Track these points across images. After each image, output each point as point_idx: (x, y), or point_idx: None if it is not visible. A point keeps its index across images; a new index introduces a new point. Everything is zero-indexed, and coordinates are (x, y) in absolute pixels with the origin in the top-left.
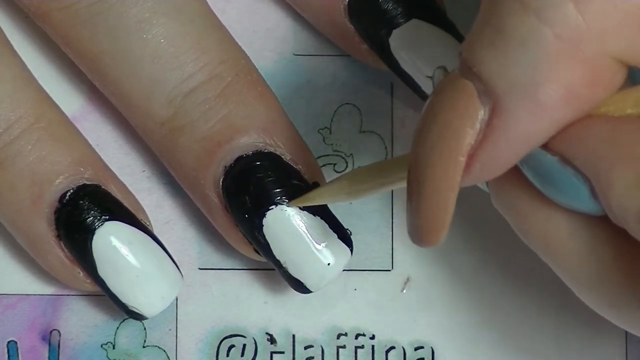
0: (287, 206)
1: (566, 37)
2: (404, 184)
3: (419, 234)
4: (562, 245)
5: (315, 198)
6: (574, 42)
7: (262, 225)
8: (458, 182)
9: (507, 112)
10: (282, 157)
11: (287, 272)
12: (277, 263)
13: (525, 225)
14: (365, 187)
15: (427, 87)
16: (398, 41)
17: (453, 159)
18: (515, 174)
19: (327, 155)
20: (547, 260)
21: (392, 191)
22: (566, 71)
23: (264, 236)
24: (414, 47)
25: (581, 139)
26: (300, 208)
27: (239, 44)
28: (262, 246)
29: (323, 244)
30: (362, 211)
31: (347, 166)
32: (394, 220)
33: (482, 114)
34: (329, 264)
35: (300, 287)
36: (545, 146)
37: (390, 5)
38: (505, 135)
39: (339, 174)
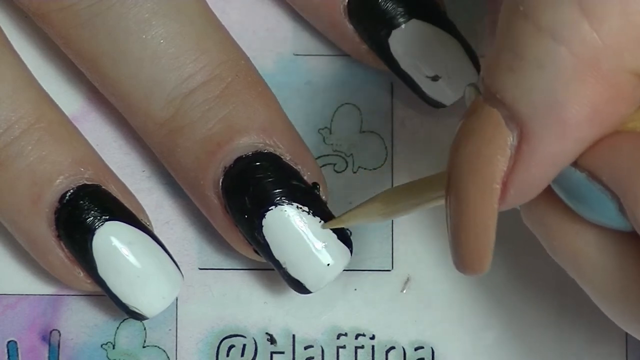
0: (322, 227)
1: (583, 55)
2: (437, 203)
3: (464, 264)
4: (590, 261)
5: (350, 220)
6: (592, 60)
7: (262, 226)
8: (496, 209)
9: (534, 136)
10: (282, 157)
11: (287, 272)
12: (277, 263)
13: (554, 241)
14: (399, 208)
15: (427, 87)
16: (398, 41)
17: (488, 188)
18: (544, 191)
19: (327, 155)
20: (575, 276)
21: None
22: (586, 89)
23: (264, 237)
24: (413, 47)
25: (609, 156)
26: (300, 207)
27: (239, 44)
28: (262, 247)
29: (323, 245)
30: None
31: (347, 166)
32: (394, 220)
33: (510, 140)
34: (328, 264)
35: (300, 287)
36: (574, 163)
37: (390, 5)
38: (535, 159)
39: (339, 174)
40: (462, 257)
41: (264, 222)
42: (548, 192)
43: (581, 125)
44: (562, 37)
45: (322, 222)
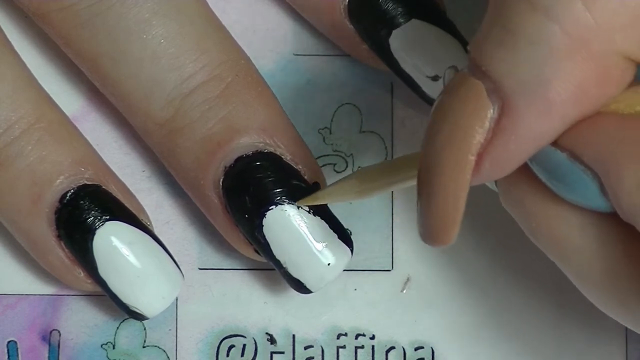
0: (296, 205)
1: (575, 34)
2: (413, 182)
3: (429, 234)
4: (571, 243)
5: (324, 197)
6: (583, 40)
7: (262, 226)
8: (468, 180)
9: (516, 110)
10: (282, 157)
11: (287, 272)
12: (277, 263)
13: (534, 223)
14: (375, 186)
15: (427, 87)
16: (398, 41)
17: (463, 158)
18: (524, 171)
19: (327, 155)
20: (556, 259)
21: (392, 191)
22: (575, 69)
23: (264, 236)
24: (413, 47)
25: (591, 136)
26: (300, 207)
27: (239, 44)
28: (262, 246)
29: (323, 244)
30: (362, 211)
31: (347, 166)
32: (394, 220)
33: (491, 112)
34: (329, 264)
35: (300, 287)
36: (555, 143)
37: (390, 5)
38: (514, 133)
39: (339, 174)
40: (429, 227)
41: (264, 221)
42: (527, 173)
43: (565, 104)
44: (555, 15)
45: (318, 217)
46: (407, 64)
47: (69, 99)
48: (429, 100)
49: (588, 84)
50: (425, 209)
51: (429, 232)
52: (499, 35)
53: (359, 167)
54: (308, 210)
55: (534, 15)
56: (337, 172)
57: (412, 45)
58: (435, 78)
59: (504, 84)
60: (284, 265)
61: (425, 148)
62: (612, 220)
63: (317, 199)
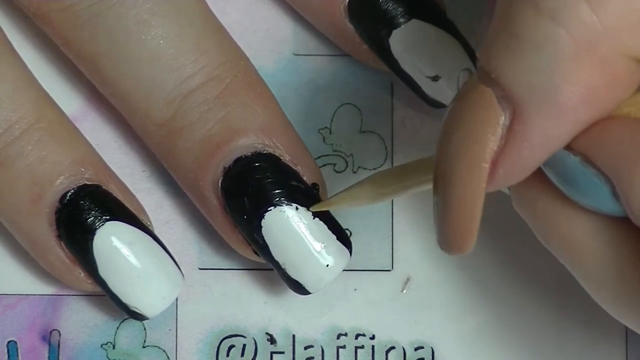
0: (309, 210)
1: (582, 38)
2: (426, 187)
3: (447, 243)
4: (583, 247)
5: (337, 202)
6: (590, 43)
7: (261, 227)
8: (483, 189)
9: (527, 116)
10: (281, 158)
11: (286, 273)
12: (276, 264)
13: (546, 226)
14: (388, 191)
15: (427, 87)
16: (398, 41)
17: (477, 166)
18: (536, 175)
19: (327, 155)
20: (567, 263)
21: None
22: (584, 72)
23: (263, 237)
24: (413, 47)
25: (603, 140)
26: (299, 208)
27: (239, 44)
28: (261, 247)
29: (322, 246)
30: (362, 211)
31: (347, 166)
32: (394, 220)
33: (502, 119)
34: (327, 265)
35: (299, 288)
36: (567, 146)
37: (390, 5)
38: (526, 139)
39: (339, 174)
40: (446, 236)
41: (263, 222)
42: (540, 176)
43: (576, 108)
44: (561, 19)
45: (317, 218)
46: (407, 64)
47: (69, 99)
48: (429, 100)
49: (597, 87)
50: (442, 218)
51: (447, 241)
52: (506, 41)
53: (360, 167)
54: (307, 211)
55: (539, 20)
56: (337, 172)
57: (412, 45)
58: (435, 78)
59: (513, 90)
60: (283, 267)
61: (438, 157)
62: (624, 224)
63: (330, 205)
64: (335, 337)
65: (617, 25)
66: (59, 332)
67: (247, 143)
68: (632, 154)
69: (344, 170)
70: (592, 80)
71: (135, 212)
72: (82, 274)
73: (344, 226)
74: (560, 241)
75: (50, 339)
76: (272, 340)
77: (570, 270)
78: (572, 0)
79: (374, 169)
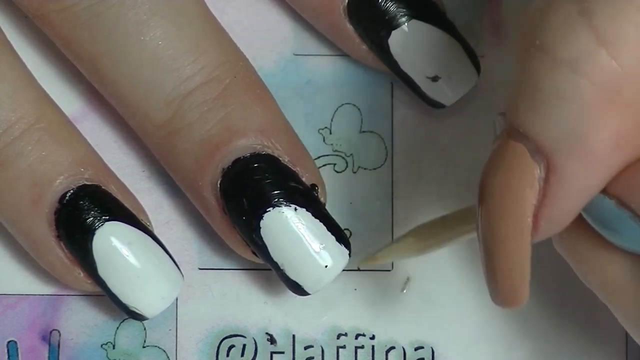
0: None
1: (604, 84)
2: (470, 236)
3: (502, 299)
4: (622, 288)
5: (384, 257)
6: (612, 90)
7: (260, 228)
8: (529, 243)
9: (560, 167)
10: (280, 159)
11: (285, 274)
12: (275, 265)
13: (586, 268)
14: (432, 243)
15: (427, 87)
16: (397, 42)
17: (520, 223)
18: (575, 219)
19: (327, 155)
20: (607, 303)
21: (392, 190)
22: (610, 118)
23: (262, 238)
24: (413, 47)
25: (635, 182)
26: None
27: (239, 44)
28: (260, 248)
29: (321, 247)
30: (362, 211)
31: (347, 166)
32: (394, 220)
33: (538, 172)
34: (326, 266)
35: (298, 289)
36: (603, 190)
37: (389, 5)
38: (563, 189)
39: (339, 174)
40: (499, 292)
41: (261, 223)
42: (579, 218)
43: (607, 155)
44: (582, 69)
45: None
46: (407, 64)
47: (68, 100)
48: (429, 101)
49: (626, 132)
50: (491, 275)
51: (500, 296)
52: (528, 94)
53: (360, 167)
54: (305, 212)
55: (559, 71)
56: (337, 172)
57: (411, 45)
58: (435, 78)
59: (543, 143)
60: (282, 267)
61: (481, 216)
62: None
63: (377, 259)
64: (335, 337)
65: (638, 66)
66: (59, 332)
67: (246, 144)
68: None
69: (344, 170)
70: (619, 125)
71: (134, 212)
72: (82, 274)
73: (343, 226)
74: (601, 282)
75: (50, 339)
76: (272, 340)
77: (611, 310)
78: (589, 48)
79: (374, 168)
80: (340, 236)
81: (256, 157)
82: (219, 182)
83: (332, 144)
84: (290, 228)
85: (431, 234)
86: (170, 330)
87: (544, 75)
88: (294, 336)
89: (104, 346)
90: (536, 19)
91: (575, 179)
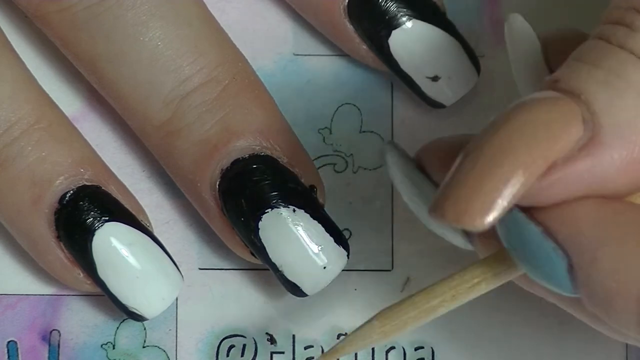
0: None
1: None
2: (435, 315)
3: (460, 206)
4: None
5: (345, 347)
6: None
7: (258, 229)
8: (534, 178)
9: (603, 146)
10: (279, 160)
11: (283, 275)
12: (273, 266)
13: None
14: (397, 324)
15: (427, 87)
16: (398, 42)
17: (542, 155)
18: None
19: (327, 155)
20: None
21: (392, 190)
22: None
23: (260, 239)
24: (413, 47)
25: (569, 213)
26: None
27: (239, 44)
28: (258, 249)
29: (319, 247)
30: (362, 211)
31: (347, 166)
32: (394, 220)
33: (581, 137)
34: (325, 267)
35: (296, 290)
36: (531, 216)
37: (389, 5)
38: (591, 164)
39: (339, 174)
40: (460, 198)
41: (260, 224)
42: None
43: None
44: None
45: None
46: (407, 64)
47: (68, 100)
48: (429, 100)
49: None
50: (471, 175)
51: (461, 204)
52: (606, 75)
53: (360, 167)
54: (304, 213)
55: None
56: (337, 172)
57: (411, 45)
58: (435, 78)
59: (603, 120)
60: (280, 268)
61: (506, 122)
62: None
63: (338, 352)
64: (335, 337)
65: None
66: (59, 332)
67: (244, 145)
68: (602, 232)
69: (344, 170)
70: None
71: (134, 212)
72: (82, 275)
73: (343, 227)
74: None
75: (50, 339)
76: (272, 340)
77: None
78: None
79: (374, 168)
80: (339, 237)
81: (255, 158)
82: (217, 182)
83: (332, 144)
84: (288, 229)
85: (395, 316)
86: (170, 330)
87: (627, 67)
88: (294, 336)
89: (104, 346)
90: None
91: (608, 162)
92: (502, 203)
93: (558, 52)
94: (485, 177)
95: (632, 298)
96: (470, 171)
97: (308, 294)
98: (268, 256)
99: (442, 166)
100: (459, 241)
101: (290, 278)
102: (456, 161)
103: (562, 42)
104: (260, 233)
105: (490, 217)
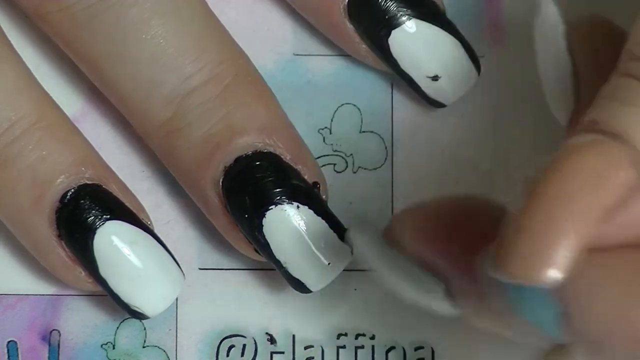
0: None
1: None
2: None
3: (523, 262)
4: None
5: None
6: None
7: (262, 225)
8: (594, 226)
9: None
10: (282, 157)
11: (287, 271)
12: (277, 263)
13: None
14: None
15: (427, 87)
16: (398, 41)
17: (601, 202)
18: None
19: (327, 155)
20: None
21: (392, 190)
22: None
23: (264, 236)
24: (413, 47)
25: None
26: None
27: (239, 44)
28: (262, 246)
29: (323, 244)
30: (362, 211)
31: (347, 166)
32: None
33: (632, 179)
34: (329, 263)
35: (301, 286)
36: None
37: (389, 5)
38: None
39: (339, 174)
40: (526, 255)
41: (264, 221)
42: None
43: None
44: None
45: (319, 217)
46: (407, 63)
47: (69, 99)
48: (429, 100)
49: None
50: (535, 230)
51: (524, 260)
52: None
53: (360, 167)
54: (308, 209)
55: None
56: (337, 172)
57: (412, 45)
58: (435, 78)
59: None
60: (284, 265)
61: (557, 172)
62: None
63: None
64: (335, 337)
65: None
66: (59, 332)
67: (247, 142)
68: (598, 287)
69: (344, 170)
70: None
71: (135, 211)
72: (83, 274)
73: (345, 225)
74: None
75: (50, 339)
76: (272, 340)
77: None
78: None
79: (374, 168)
80: (342, 234)
81: (258, 155)
82: (220, 180)
83: (332, 144)
84: (292, 226)
85: None
86: (170, 330)
87: None
88: (294, 336)
89: (104, 346)
90: None
91: None
92: (568, 256)
93: (582, 39)
94: (549, 231)
95: None
96: (533, 226)
97: (312, 290)
98: (272, 253)
99: (419, 235)
100: (443, 307)
101: (294, 274)
102: (512, 218)
103: (588, 28)
104: (264, 230)
105: (561, 271)
